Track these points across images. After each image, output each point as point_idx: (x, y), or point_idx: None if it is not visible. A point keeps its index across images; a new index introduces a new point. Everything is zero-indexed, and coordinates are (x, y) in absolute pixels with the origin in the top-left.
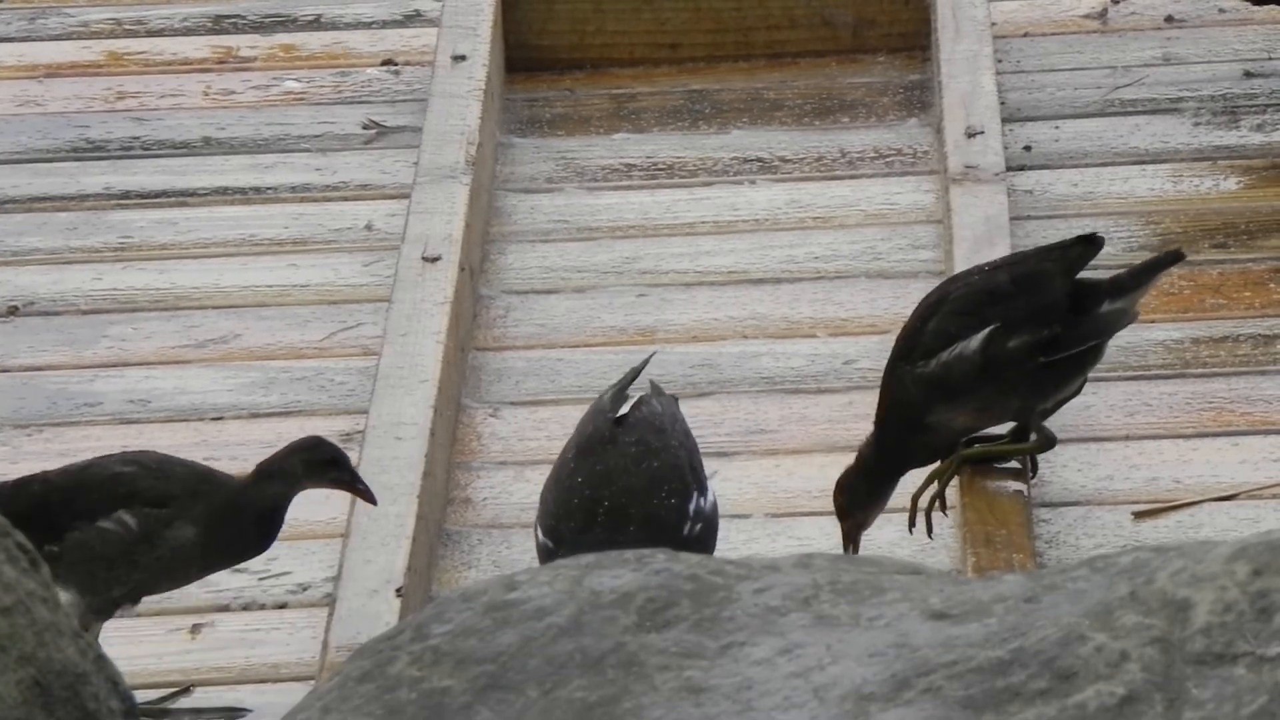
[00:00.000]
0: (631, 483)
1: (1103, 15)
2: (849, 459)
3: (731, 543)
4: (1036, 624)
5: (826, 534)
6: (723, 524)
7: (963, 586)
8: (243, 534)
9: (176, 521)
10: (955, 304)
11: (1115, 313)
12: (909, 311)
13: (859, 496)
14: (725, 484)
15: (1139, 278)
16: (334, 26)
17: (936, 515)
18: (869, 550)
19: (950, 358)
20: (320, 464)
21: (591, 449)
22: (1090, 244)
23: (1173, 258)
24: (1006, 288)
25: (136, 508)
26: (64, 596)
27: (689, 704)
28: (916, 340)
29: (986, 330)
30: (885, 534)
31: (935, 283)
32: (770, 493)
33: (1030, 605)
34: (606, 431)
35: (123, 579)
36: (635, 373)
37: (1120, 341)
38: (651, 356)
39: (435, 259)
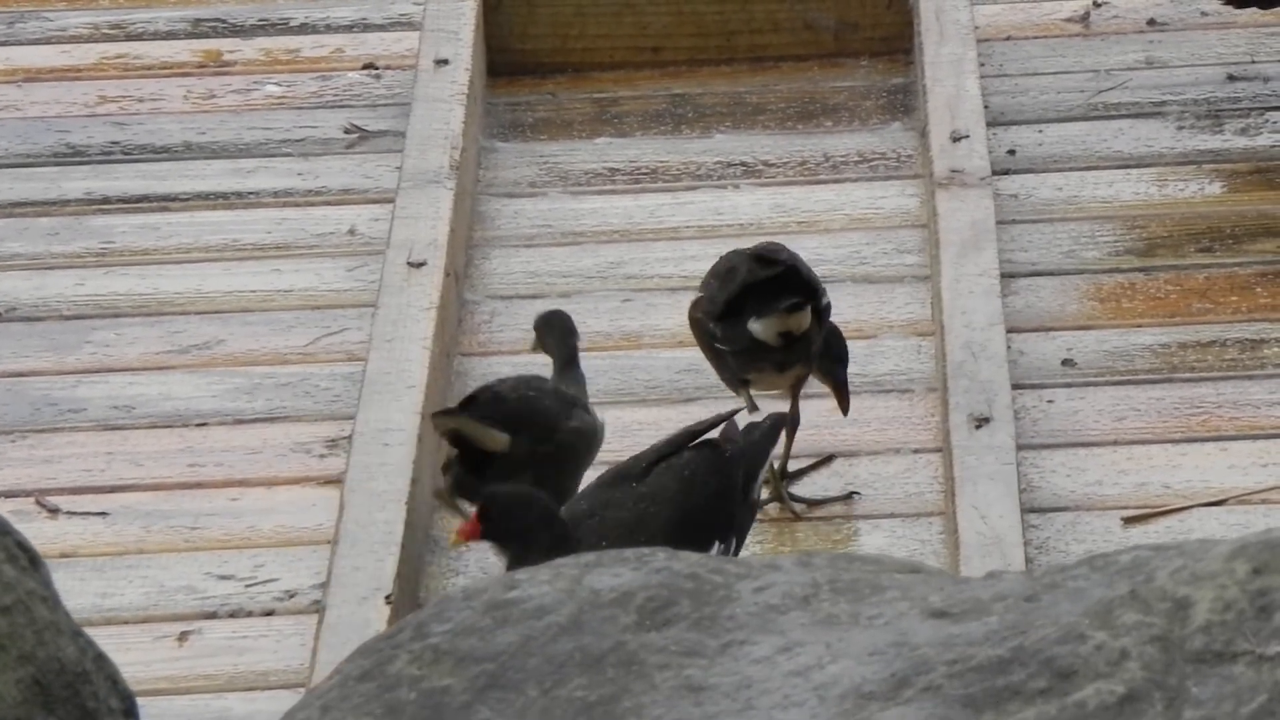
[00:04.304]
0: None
1: (1085, 19)
2: (837, 464)
3: None
4: (1036, 622)
5: (822, 536)
6: None
7: (962, 585)
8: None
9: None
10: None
11: None
12: (894, 316)
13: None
14: None
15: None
16: (315, 30)
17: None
18: (865, 552)
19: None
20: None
21: (613, 479)
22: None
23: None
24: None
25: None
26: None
27: (689, 703)
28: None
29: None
30: (875, 540)
31: (920, 287)
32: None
33: (1030, 604)
34: (634, 469)
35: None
36: (709, 424)
37: (1108, 346)
38: (732, 414)
39: (420, 264)
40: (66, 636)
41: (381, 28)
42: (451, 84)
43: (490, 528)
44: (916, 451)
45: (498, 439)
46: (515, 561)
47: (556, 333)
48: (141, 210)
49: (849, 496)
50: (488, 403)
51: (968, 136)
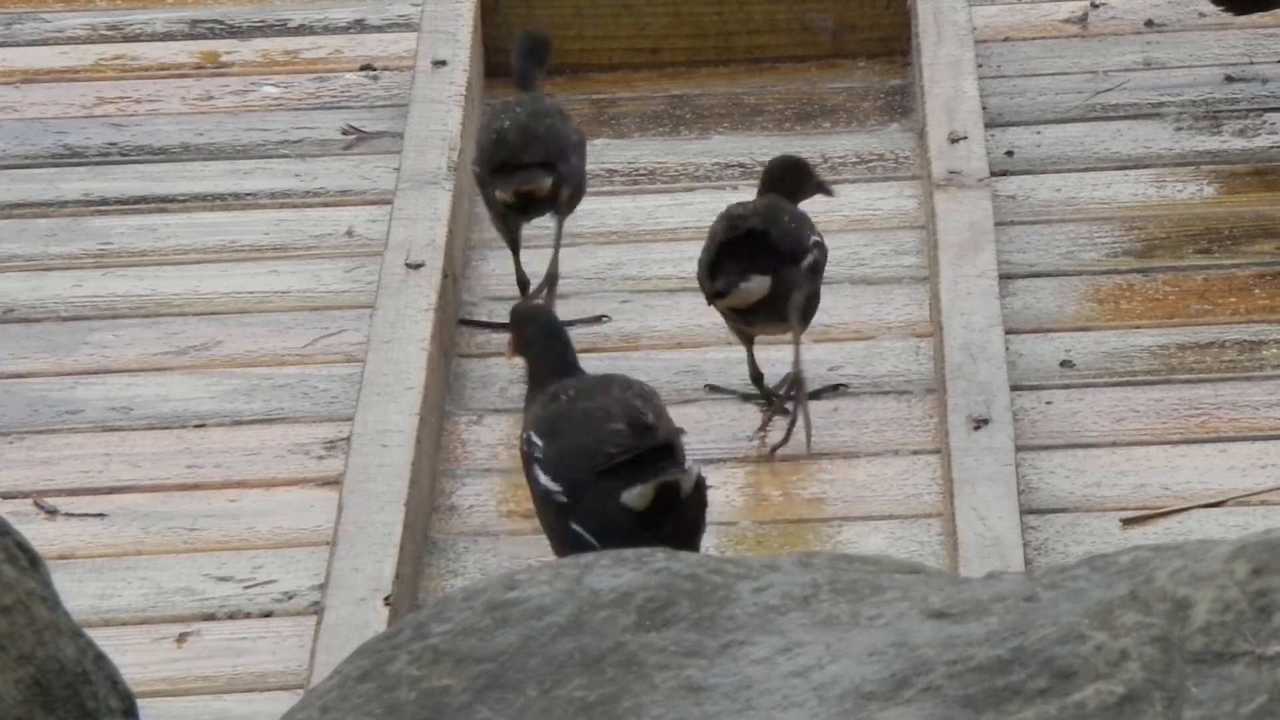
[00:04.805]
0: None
1: (1083, 20)
2: (835, 465)
3: (720, 550)
4: (1036, 623)
5: (823, 538)
6: (710, 531)
7: (962, 585)
8: None
9: None
10: None
11: None
12: (893, 317)
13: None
14: (711, 492)
15: None
16: (312, 31)
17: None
18: (864, 553)
19: None
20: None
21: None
22: None
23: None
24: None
25: None
26: None
27: (689, 703)
28: None
29: None
30: (874, 541)
31: (919, 288)
32: (757, 500)
33: (1030, 604)
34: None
35: None
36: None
37: (1106, 347)
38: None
39: (418, 265)
40: (66, 637)
41: (379, 29)
42: (449, 85)
43: (518, 337)
44: (915, 453)
45: (545, 187)
46: (531, 370)
47: (529, 53)
48: (139, 211)
49: (838, 388)
50: (533, 149)
51: (966, 138)
